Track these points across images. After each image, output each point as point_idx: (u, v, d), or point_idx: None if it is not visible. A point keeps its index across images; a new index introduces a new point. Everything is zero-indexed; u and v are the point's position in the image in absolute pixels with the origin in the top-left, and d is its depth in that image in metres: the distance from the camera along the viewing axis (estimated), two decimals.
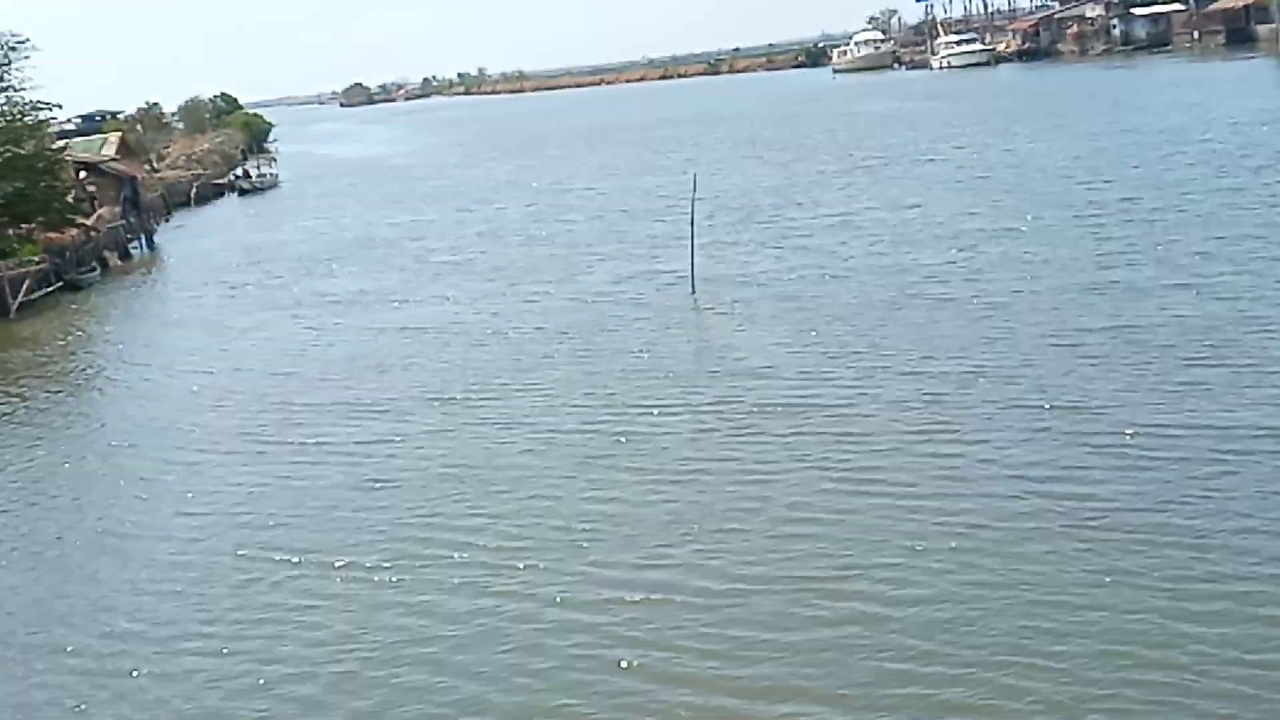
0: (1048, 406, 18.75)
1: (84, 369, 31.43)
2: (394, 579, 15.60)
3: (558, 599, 14.47)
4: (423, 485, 18.78)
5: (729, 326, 26.69)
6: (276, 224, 59.52)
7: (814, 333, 25.01)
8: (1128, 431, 17.30)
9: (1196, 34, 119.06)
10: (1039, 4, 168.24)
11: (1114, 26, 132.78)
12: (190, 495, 19.84)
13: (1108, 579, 13.31)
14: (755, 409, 20.36)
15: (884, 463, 17.35)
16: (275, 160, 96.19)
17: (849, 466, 17.38)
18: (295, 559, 16.57)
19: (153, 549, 17.72)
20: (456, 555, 15.99)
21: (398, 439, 21.26)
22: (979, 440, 17.73)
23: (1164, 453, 16.46)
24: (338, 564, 16.23)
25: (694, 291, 30.47)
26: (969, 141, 59.02)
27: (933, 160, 53.07)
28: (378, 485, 19.05)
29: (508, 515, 17.17)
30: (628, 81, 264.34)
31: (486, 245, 42.89)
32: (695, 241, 32.15)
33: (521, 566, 15.44)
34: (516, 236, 44.24)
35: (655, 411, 20.97)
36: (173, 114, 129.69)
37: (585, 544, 15.90)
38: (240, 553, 17.07)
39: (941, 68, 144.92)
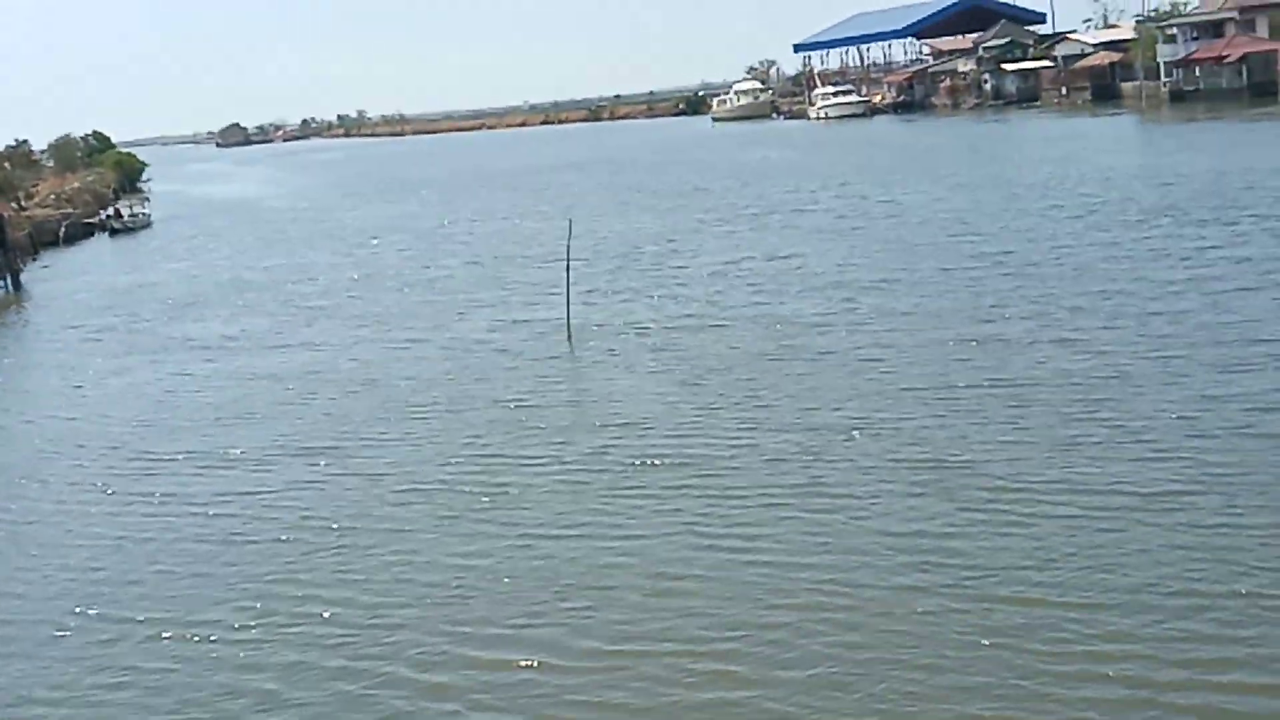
0: (925, 462, 18.54)
1: None
2: (258, 639, 14.80)
3: (430, 660, 13.83)
4: (287, 541, 17.96)
5: (605, 376, 26.26)
6: (147, 265, 57.95)
7: (692, 384, 24.67)
8: (1005, 489, 17.13)
9: (1064, 90, 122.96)
10: (913, 58, 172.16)
11: (985, 81, 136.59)
12: (38, 550, 18.80)
13: (985, 641, 13.05)
14: (631, 463, 19.90)
15: (761, 519, 16.95)
16: (148, 200, 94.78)
17: (726, 523, 16.95)
18: (147, 618, 15.66)
19: None
20: (323, 613, 15.26)
21: (262, 491, 20.39)
22: (856, 497, 17.44)
23: (1040, 511, 16.27)
24: (196, 624, 15.38)
25: (570, 339, 30.06)
26: (848, 191, 59.58)
27: (812, 210, 53.40)
28: (240, 540, 18.19)
29: (376, 572, 16.48)
30: (509, 126, 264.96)
31: (360, 290, 42.03)
32: (572, 289, 31.79)
33: (392, 626, 14.77)
34: (391, 281, 43.43)
35: (529, 465, 20.40)
36: (43, 152, 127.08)
37: (458, 603, 15.26)
38: (91, 612, 16.12)
39: (819, 118, 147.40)
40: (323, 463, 21.72)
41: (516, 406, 24.21)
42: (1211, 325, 24.91)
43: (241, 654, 14.52)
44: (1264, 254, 31.83)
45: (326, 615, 15.24)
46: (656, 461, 19.86)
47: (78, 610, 16.28)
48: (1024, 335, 25.68)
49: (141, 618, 15.75)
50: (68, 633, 15.66)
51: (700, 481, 18.70)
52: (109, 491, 21.39)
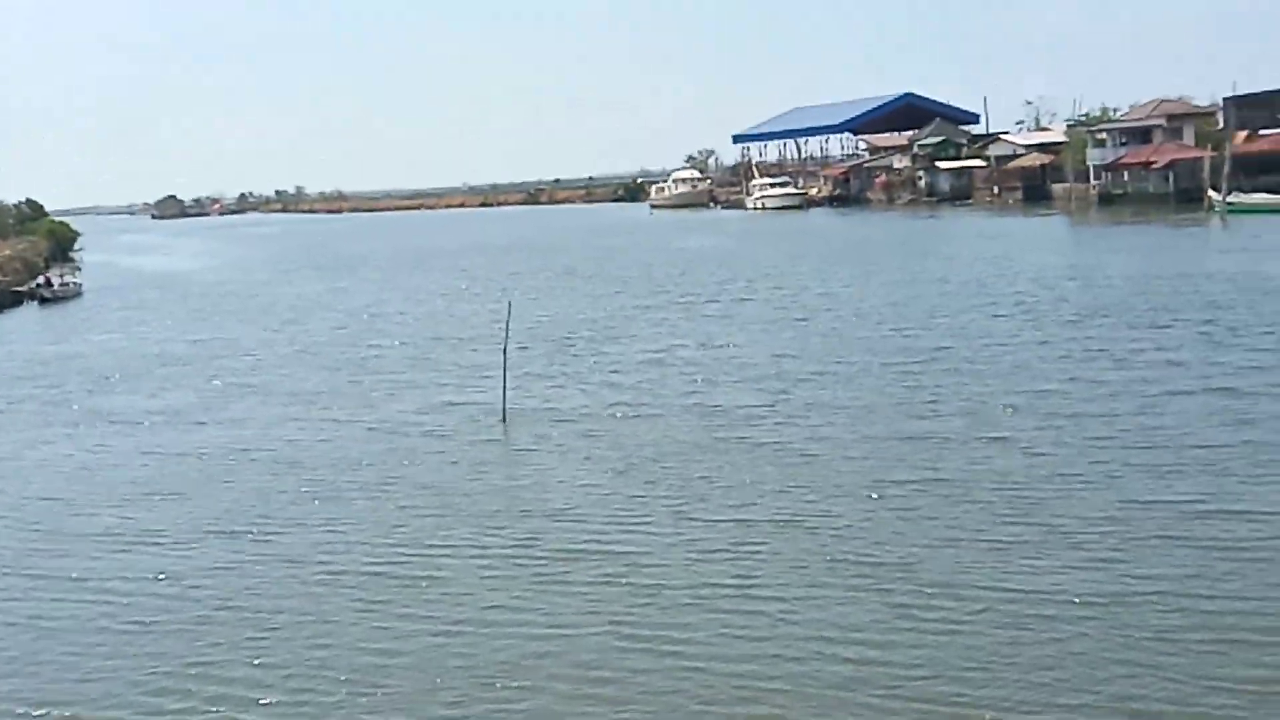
0: (855, 561, 18.23)
1: None
2: None
3: None
4: (196, 628, 17.28)
5: (538, 463, 25.76)
6: (74, 335, 56.78)
7: (624, 473, 24.28)
8: (940, 590, 16.85)
9: (997, 189, 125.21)
10: (850, 152, 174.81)
11: (920, 178, 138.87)
12: None
13: None
14: (558, 554, 19.40)
15: (686, 619, 16.44)
16: (79, 269, 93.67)
17: (649, 623, 16.43)
18: (41, 714, 14.93)
19: None
20: (222, 711, 14.61)
21: (178, 573, 19.66)
22: (784, 597, 17.02)
23: (976, 614, 16.01)
24: (104, 715, 14.73)
25: (505, 423, 29.69)
26: (785, 283, 59.77)
27: (750, 300, 53.51)
28: (144, 628, 17.45)
29: (289, 664, 15.86)
30: (448, 206, 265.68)
31: (289, 367, 41.33)
32: (508, 372, 31.46)
33: (310, 717, 14.18)
34: (322, 359, 42.78)
35: (455, 553, 19.88)
36: None
37: (373, 699, 14.69)
38: None
39: (756, 208, 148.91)
40: (243, 545, 21.03)
41: (446, 492, 23.71)
42: (1145, 428, 24.94)
43: None
44: (1195, 357, 32.11)
45: (220, 712, 14.62)
46: (585, 552, 19.40)
47: None
48: (957, 432, 25.59)
49: (40, 712, 15.01)
50: None
51: (629, 575, 18.25)
52: (19, 571, 20.55)
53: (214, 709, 14.68)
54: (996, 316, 42.56)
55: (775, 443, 25.83)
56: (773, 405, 29.70)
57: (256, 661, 15.96)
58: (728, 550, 19.11)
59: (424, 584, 18.46)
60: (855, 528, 19.74)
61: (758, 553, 18.90)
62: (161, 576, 19.66)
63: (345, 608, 17.68)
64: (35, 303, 75.65)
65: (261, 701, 14.81)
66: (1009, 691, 13.83)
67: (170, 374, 41.45)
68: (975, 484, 21.75)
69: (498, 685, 14.80)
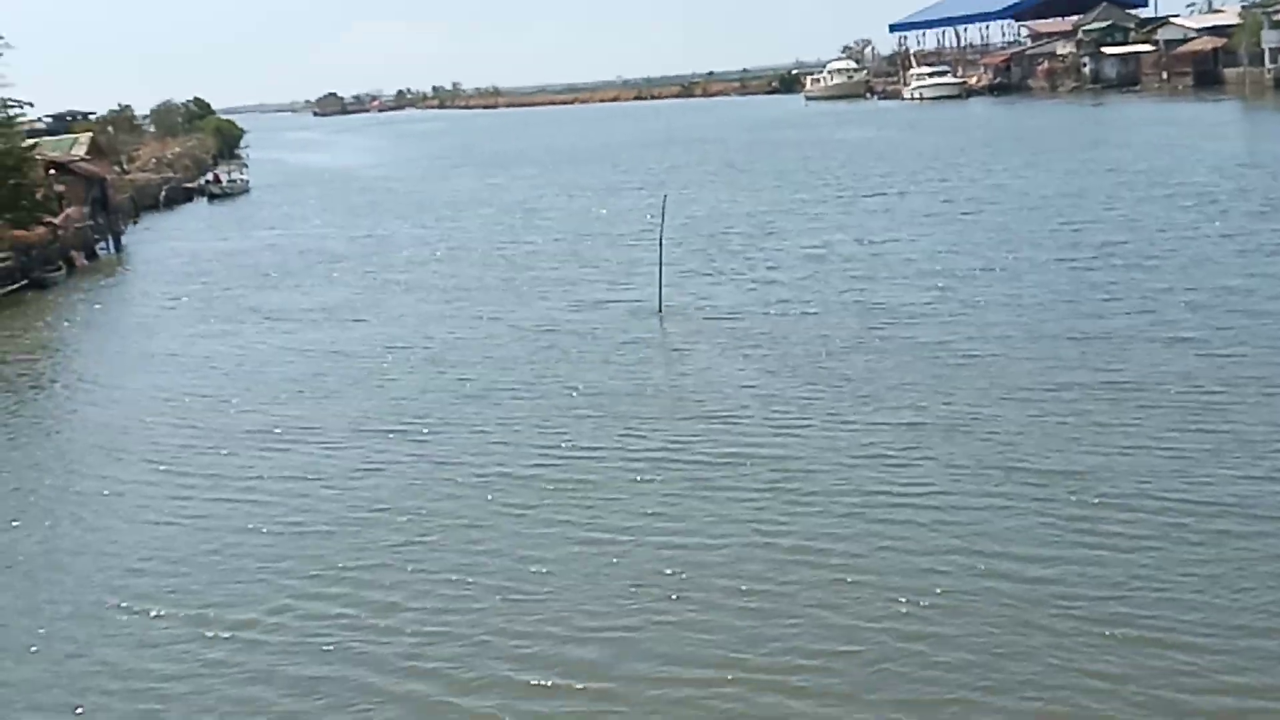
0: (1022, 469, 17.32)
1: (40, 374, 29.82)
2: (293, 634, 14.16)
3: (499, 671, 13.03)
4: (348, 530, 17.19)
5: (692, 363, 25.13)
6: (239, 231, 58.03)
7: (780, 374, 23.55)
8: (1103, 503, 15.88)
9: (1165, 75, 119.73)
10: (1010, 39, 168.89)
11: (1084, 65, 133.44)
12: (103, 523, 18.28)
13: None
14: (714, 459, 18.84)
15: (843, 530, 15.79)
16: (246, 167, 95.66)
17: (802, 532, 15.83)
18: (196, 613, 15.02)
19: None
20: (373, 619, 14.51)
21: (327, 475, 19.62)
22: (945, 506, 16.25)
23: (1145, 530, 15.05)
24: (247, 610, 14.82)
25: (661, 319, 29.29)
26: (947, 175, 57.87)
27: (910, 193, 51.83)
28: (297, 529, 17.45)
29: (440, 570, 15.65)
30: (602, 101, 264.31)
31: (445, 264, 41.40)
32: (664, 268, 30.93)
33: (452, 628, 14.02)
34: (476, 256, 42.71)
35: (606, 456, 19.45)
36: (144, 117, 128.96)
37: (522, 606, 14.43)
38: (137, 591, 15.55)
39: (913, 99, 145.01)
40: (396, 445, 20.98)
41: (600, 391, 23.27)
42: None
43: (278, 644, 13.98)
44: None
45: (390, 614, 14.53)
46: (742, 457, 18.84)
47: (120, 587, 15.91)
48: (1137, 331, 24.27)
49: (195, 611, 15.09)
50: (111, 611, 15.20)
51: (785, 482, 17.66)
52: (176, 469, 20.81)
53: (365, 614, 14.57)
54: (1174, 208, 40.41)
55: (939, 342, 24.85)
56: (936, 303, 28.66)
57: (410, 568, 15.80)
58: (887, 456, 18.39)
59: (576, 488, 18.11)
60: (1023, 434, 18.81)
61: (919, 460, 18.13)
62: (316, 476, 19.68)
63: (497, 512, 17.43)
64: (205, 199, 77.65)
65: (413, 606, 14.67)
66: (1181, 613, 12.98)
67: (328, 271, 41.86)
68: (1152, 387, 20.55)
69: (646, 594, 14.42)
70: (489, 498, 18.02)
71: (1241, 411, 19.02)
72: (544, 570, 15.35)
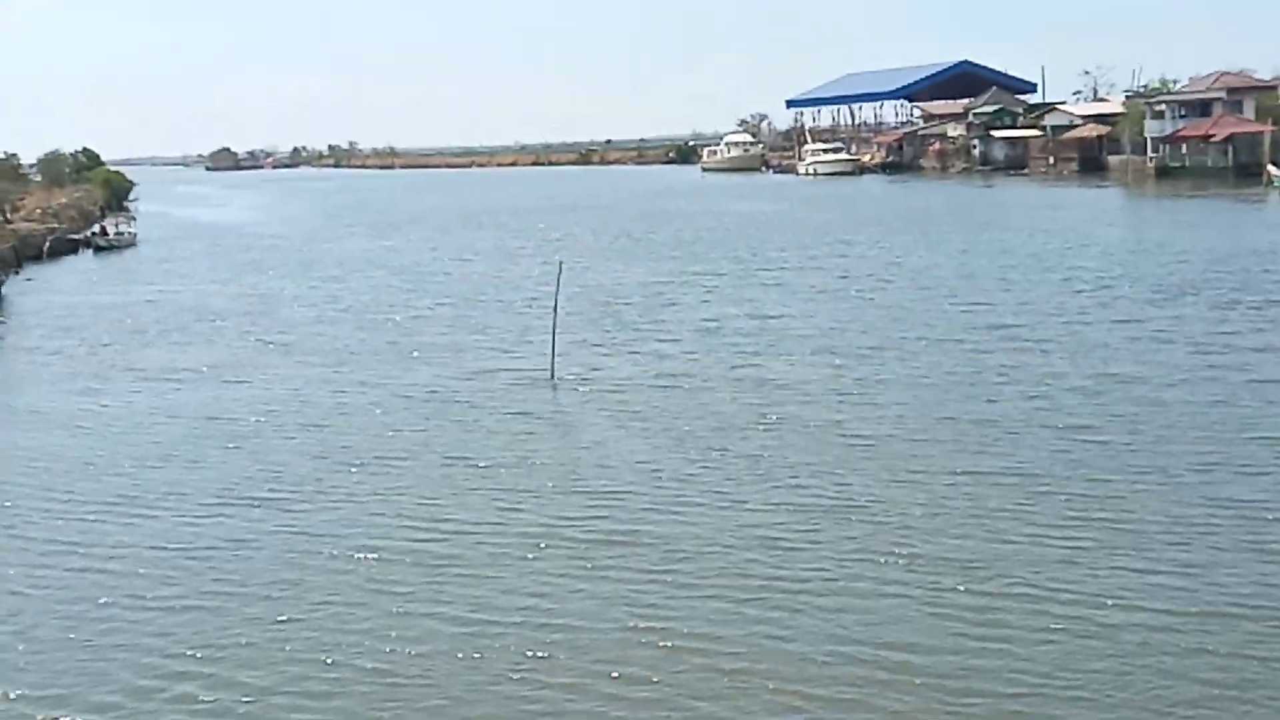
0: (909, 556, 16.83)
1: None
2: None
3: None
4: (203, 605, 16.23)
5: (582, 438, 24.26)
6: (126, 285, 56.14)
7: (670, 450, 22.95)
8: (989, 592, 15.51)
9: (1052, 159, 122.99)
10: (904, 119, 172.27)
11: (974, 147, 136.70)
12: None
13: None
14: (595, 539, 18.09)
15: (720, 618, 15.18)
16: (134, 219, 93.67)
17: (677, 617, 15.21)
18: (29, 695, 13.92)
19: None
20: (222, 698, 13.58)
21: (183, 546, 18.56)
22: (832, 592, 15.77)
23: (1027, 619, 14.73)
24: (106, 699, 13.75)
25: (553, 383, 28.88)
26: (844, 251, 58.02)
27: (804, 268, 51.69)
28: (145, 604, 16.41)
29: (298, 651, 14.78)
30: (500, 165, 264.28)
31: (329, 326, 40.30)
32: (557, 335, 30.45)
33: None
34: (363, 319, 41.69)
35: (481, 532, 18.67)
36: (31, 166, 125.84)
37: (381, 691, 13.61)
38: None
39: (808, 174, 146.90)
40: (262, 515, 19.92)
41: (483, 463, 22.47)
42: (1228, 419, 23.48)
43: None
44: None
45: (243, 696, 13.63)
46: (622, 537, 18.15)
47: None
48: (1027, 416, 24.09)
49: (28, 693, 14.02)
50: None
51: (665, 564, 17.01)
52: (23, 535, 19.62)
53: (231, 698, 13.66)
54: (1066, 292, 40.65)
55: (833, 421, 24.43)
56: (830, 380, 28.31)
57: (281, 648, 14.86)
58: (778, 540, 17.76)
59: (456, 565, 17.32)
60: (915, 520, 18.35)
61: (810, 544, 17.56)
62: (182, 546, 18.62)
63: (373, 590, 16.54)
64: (90, 251, 75.85)
65: (284, 690, 13.78)
66: (1071, 709, 12.60)
67: (208, 329, 40.59)
68: (1045, 474, 20.28)
69: (524, 681, 13.72)
70: (365, 574, 17.14)
71: (1134, 502, 18.77)
72: (419, 652, 14.54)
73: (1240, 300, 37.18)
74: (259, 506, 20.43)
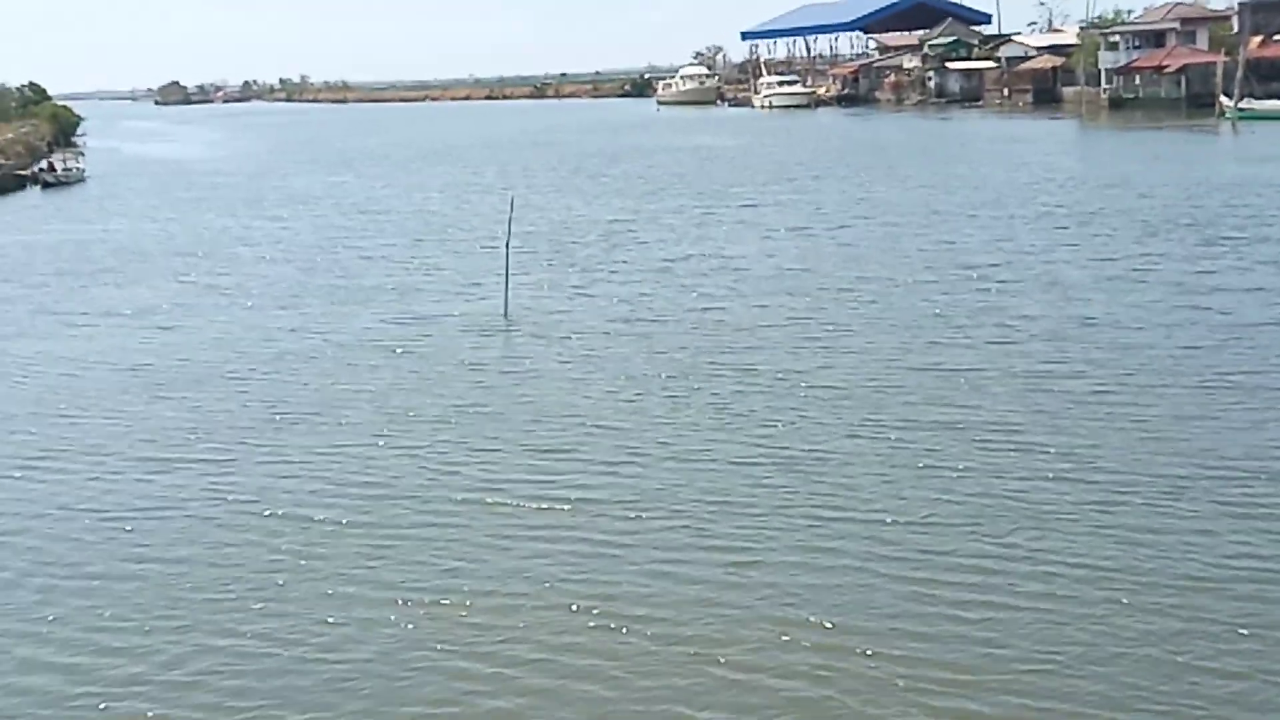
0: (856, 518, 15.67)
1: None
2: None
3: None
4: (131, 577, 14.94)
5: (538, 387, 22.96)
6: (71, 223, 54.17)
7: (626, 393, 21.87)
8: (933, 559, 14.40)
9: (1007, 91, 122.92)
10: (859, 51, 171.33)
11: (930, 79, 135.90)
12: None
13: None
14: (540, 498, 16.87)
15: (641, 587, 14.09)
16: (83, 155, 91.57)
17: (600, 593, 14.09)
18: None
19: None
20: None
21: (94, 510, 17.19)
22: (769, 563, 14.54)
23: (973, 592, 13.59)
24: None
25: (507, 322, 27.99)
26: (806, 187, 56.73)
27: (767, 205, 50.37)
28: (68, 575, 15.07)
29: (232, 629, 13.58)
30: (454, 99, 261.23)
31: (268, 266, 38.73)
32: (510, 275, 29.39)
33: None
34: (304, 258, 40.05)
35: (425, 491, 17.46)
36: None
37: (329, 664, 12.45)
38: None
39: (763, 107, 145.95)
40: (181, 478, 18.41)
41: (428, 419, 21.15)
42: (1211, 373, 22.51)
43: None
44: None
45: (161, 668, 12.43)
46: (571, 500, 16.96)
47: None
48: (994, 363, 23.06)
49: None
50: None
51: (593, 528, 15.90)
52: None
53: (149, 671, 12.54)
54: (1034, 229, 39.57)
55: (794, 371, 23.07)
56: (790, 325, 27.05)
57: (204, 626, 13.62)
58: (727, 502, 16.47)
59: (383, 530, 16.02)
60: (870, 475, 17.18)
61: (761, 506, 16.29)
62: (90, 509, 17.22)
63: (296, 561, 15.19)
64: (38, 187, 73.87)
65: (200, 669, 12.59)
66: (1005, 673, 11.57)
67: (142, 270, 38.89)
68: (1010, 426, 19.16)
69: (446, 652, 12.65)
70: (294, 539, 15.79)
71: (1106, 455, 17.71)
72: (350, 625, 13.35)
73: (1216, 237, 36.28)
74: (182, 466, 18.95)
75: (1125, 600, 13.15)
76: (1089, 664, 11.96)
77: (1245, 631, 12.44)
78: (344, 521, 16.39)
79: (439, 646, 12.87)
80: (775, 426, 19.62)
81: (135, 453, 19.70)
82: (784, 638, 12.69)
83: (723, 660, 12.31)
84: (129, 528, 16.55)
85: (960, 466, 17.33)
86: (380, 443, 19.71)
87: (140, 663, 12.84)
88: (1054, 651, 12.21)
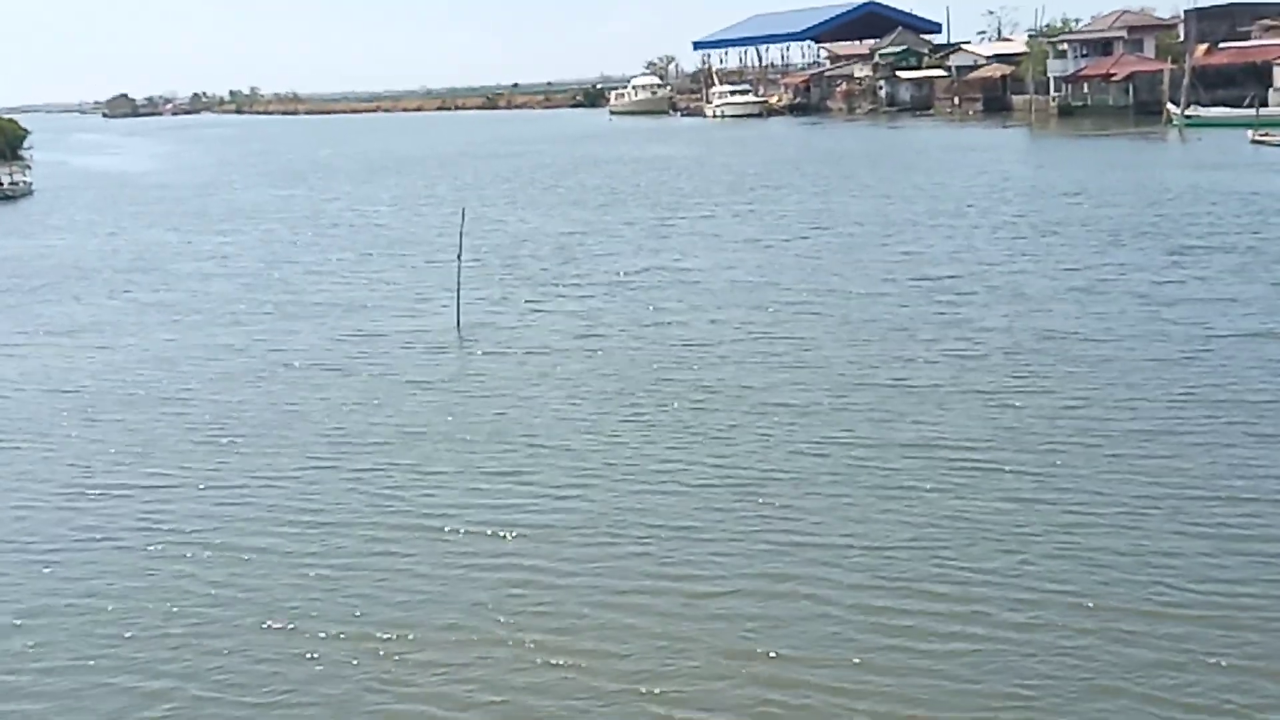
0: (812, 544, 15.11)
1: None
2: None
3: None
4: (54, 617, 14.18)
5: (488, 407, 22.30)
6: (17, 236, 53.25)
7: (582, 410, 21.27)
8: (892, 583, 13.98)
9: (957, 100, 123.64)
10: (810, 61, 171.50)
11: (881, 88, 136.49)
12: None
13: None
14: (485, 525, 16.20)
15: (585, 619, 13.49)
16: (29, 168, 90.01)
17: (541, 627, 13.50)
18: None
19: None
20: None
21: (20, 543, 16.45)
22: (725, 590, 14.02)
23: (935, 621, 13.07)
24: None
25: (459, 338, 27.47)
26: (761, 197, 56.27)
27: (722, 216, 49.80)
28: None
29: (157, 671, 12.88)
30: (405, 110, 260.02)
31: (208, 282, 37.84)
32: (462, 289, 28.92)
33: None
34: (248, 273, 39.27)
35: (366, 514, 16.82)
36: None
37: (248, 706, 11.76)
38: None
39: (716, 116, 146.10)
40: (111, 507, 17.59)
41: (376, 440, 20.51)
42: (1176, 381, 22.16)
43: None
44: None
45: None
46: (516, 526, 16.37)
47: None
48: (948, 381, 22.60)
49: None
50: None
51: (536, 554, 15.29)
52: None
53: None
54: (994, 240, 39.20)
55: (752, 387, 22.52)
56: (748, 340, 26.45)
57: (108, 661, 12.92)
58: (679, 528, 15.87)
59: (321, 564, 15.27)
60: (826, 499, 16.61)
61: (712, 533, 15.69)
62: (8, 543, 16.42)
63: (225, 586, 14.55)
64: None
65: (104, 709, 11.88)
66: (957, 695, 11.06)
67: (80, 287, 37.87)
68: (977, 446, 18.69)
69: (379, 691, 11.98)
70: (228, 574, 15.04)
71: (1066, 476, 17.26)
72: (284, 665, 12.69)
73: (1177, 246, 35.93)
74: (114, 495, 18.17)
75: (1092, 626, 12.69)
76: (1054, 697, 11.48)
77: (1216, 661, 12.00)
78: (285, 551, 15.72)
79: (380, 686, 12.24)
80: (733, 446, 19.06)
81: (64, 479, 18.91)
82: (741, 670, 12.14)
83: (676, 695, 11.75)
84: (56, 559, 15.78)
85: (924, 488, 16.81)
86: (324, 466, 19.03)
87: (68, 712, 12.11)
88: (1021, 684, 11.72)
